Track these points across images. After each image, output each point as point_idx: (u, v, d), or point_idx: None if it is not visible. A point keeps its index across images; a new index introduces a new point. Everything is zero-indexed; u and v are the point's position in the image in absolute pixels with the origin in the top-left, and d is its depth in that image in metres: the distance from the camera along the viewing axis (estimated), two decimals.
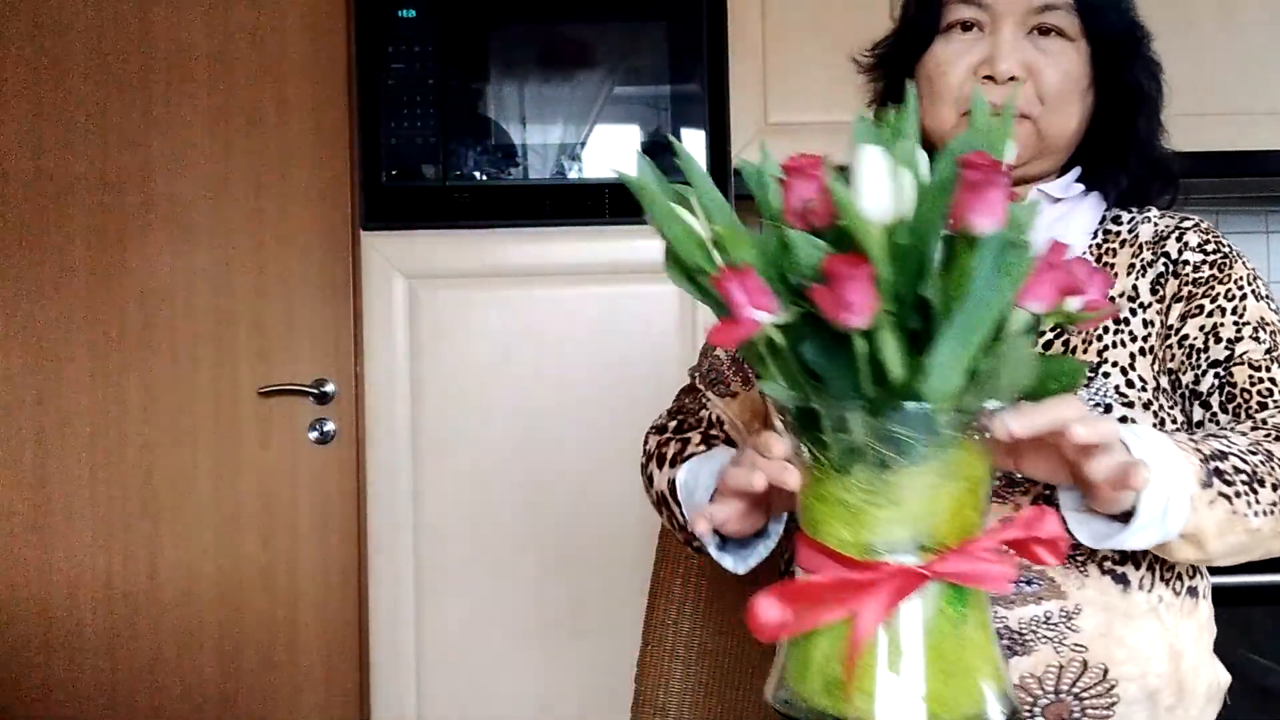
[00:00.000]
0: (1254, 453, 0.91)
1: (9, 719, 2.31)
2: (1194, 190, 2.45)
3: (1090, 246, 1.13)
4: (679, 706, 1.34)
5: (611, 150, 2.12)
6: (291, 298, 2.35)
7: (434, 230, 2.11)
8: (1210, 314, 1.05)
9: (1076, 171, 1.14)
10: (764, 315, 0.70)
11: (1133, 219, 1.15)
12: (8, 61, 2.32)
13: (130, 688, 2.32)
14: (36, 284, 2.33)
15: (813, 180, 0.71)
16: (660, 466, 1.12)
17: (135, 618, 2.32)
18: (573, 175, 2.12)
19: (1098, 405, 1.01)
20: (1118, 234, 1.13)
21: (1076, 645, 0.97)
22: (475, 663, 2.13)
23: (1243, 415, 1.00)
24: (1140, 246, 1.11)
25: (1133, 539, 0.84)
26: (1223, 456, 0.88)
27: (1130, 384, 1.03)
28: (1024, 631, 0.97)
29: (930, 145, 1.00)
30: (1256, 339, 1.03)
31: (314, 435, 2.35)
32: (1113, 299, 1.07)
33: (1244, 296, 1.06)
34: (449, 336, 2.13)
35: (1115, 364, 1.04)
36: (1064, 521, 0.94)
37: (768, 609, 0.73)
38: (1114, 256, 1.11)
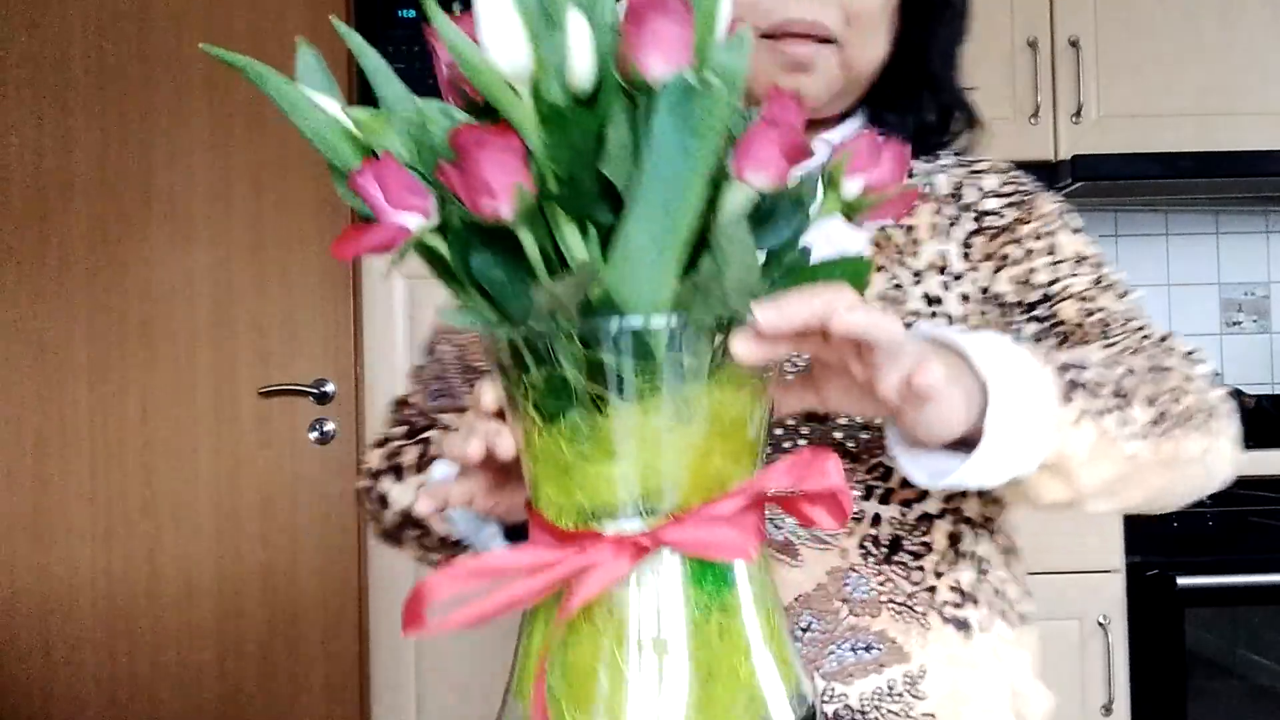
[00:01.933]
0: (1114, 365, 0.75)
1: (9, 719, 2.31)
2: (1194, 190, 2.47)
3: None
4: None
5: None
6: (291, 298, 2.35)
7: None
8: (1019, 260, 0.89)
9: (863, 115, 0.96)
10: (412, 218, 0.54)
11: (929, 169, 0.95)
12: (8, 61, 2.33)
13: (130, 688, 2.32)
14: (37, 284, 2.33)
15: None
16: (399, 478, 0.89)
17: (135, 618, 2.32)
18: None
19: None
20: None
21: (925, 716, 0.83)
22: (475, 663, 2.13)
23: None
24: (938, 201, 0.92)
25: (979, 472, 0.66)
26: (1080, 368, 0.72)
27: None
28: (866, 710, 0.83)
29: None
30: (1076, 274, 0.89)
31: (314, 435, 2.35)
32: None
33: (1052, 233, 0.91)
34: None
35: None
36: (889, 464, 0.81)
37: (438, 588, 0.55)
38: (914, 217, 0.91)
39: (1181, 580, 1.94)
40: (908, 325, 0.84)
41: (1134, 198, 2.53)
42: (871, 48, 0.89)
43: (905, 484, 0.84)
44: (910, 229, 0.91)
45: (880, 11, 0.88)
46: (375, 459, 0.93)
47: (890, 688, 0.83)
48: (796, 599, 0.83)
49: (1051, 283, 0.88)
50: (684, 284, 0.52)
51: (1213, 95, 2.29)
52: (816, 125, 0.93)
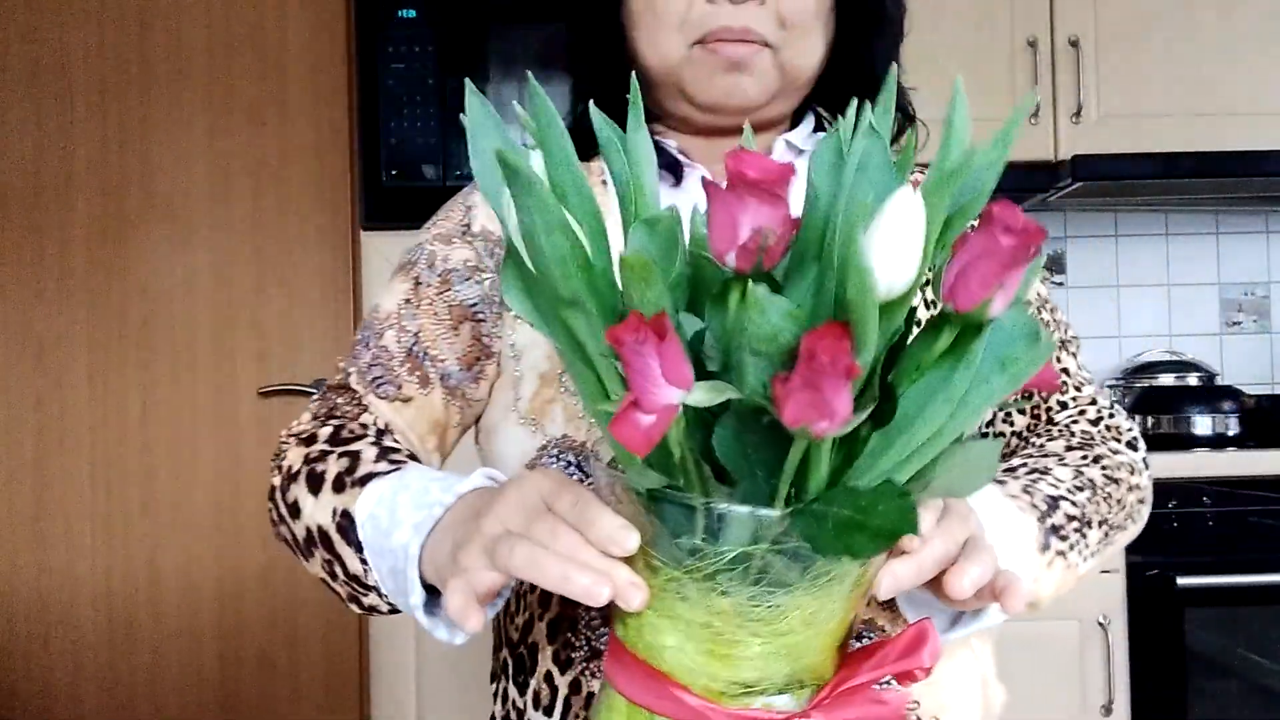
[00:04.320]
0: (1080, 488, 0.82)
1: (9, 719, 2.31)
2: (1194, 190, 2.47)
3: None
4: None
5: None
6: (291, 298, 2.35)
7: None
8: None
9: (813, 116, 0.97)
10: (679, 394, 0.48)
11: None
12: (8, 62, 2.33)
13: (130, 688, 2.32)
14: (36, 284, 2.33)
15: (776, 202, 0.47)
16: (315, 491, 0.79)
17: (135, 618, 2.32)
18: None
19: None
20: None
21: (910, 703, 0.84)
22: (475, 663, 2.13)
23: (1041, 417, 0.92)
24: None
25: (988, 622, 0.73)
26: (1055, 505, 0.79)
27: None
28: None
29: (649, 84, 0.90)
30: (1039, 322, 0.92)
31: None
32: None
33: None
34: None
35: None
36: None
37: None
38: None
39: (1181, 580, 1.94)
40: None
41: (1134, 198, 2.53)
42: (807, 51, 0.90)
43: None
44: None
45: (814, 16, 0.89)
46: (295, 458, 0.84)
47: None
48: None
49: None
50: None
51: (1213, 95, 2.29)
52: (769, 127, 0.94)
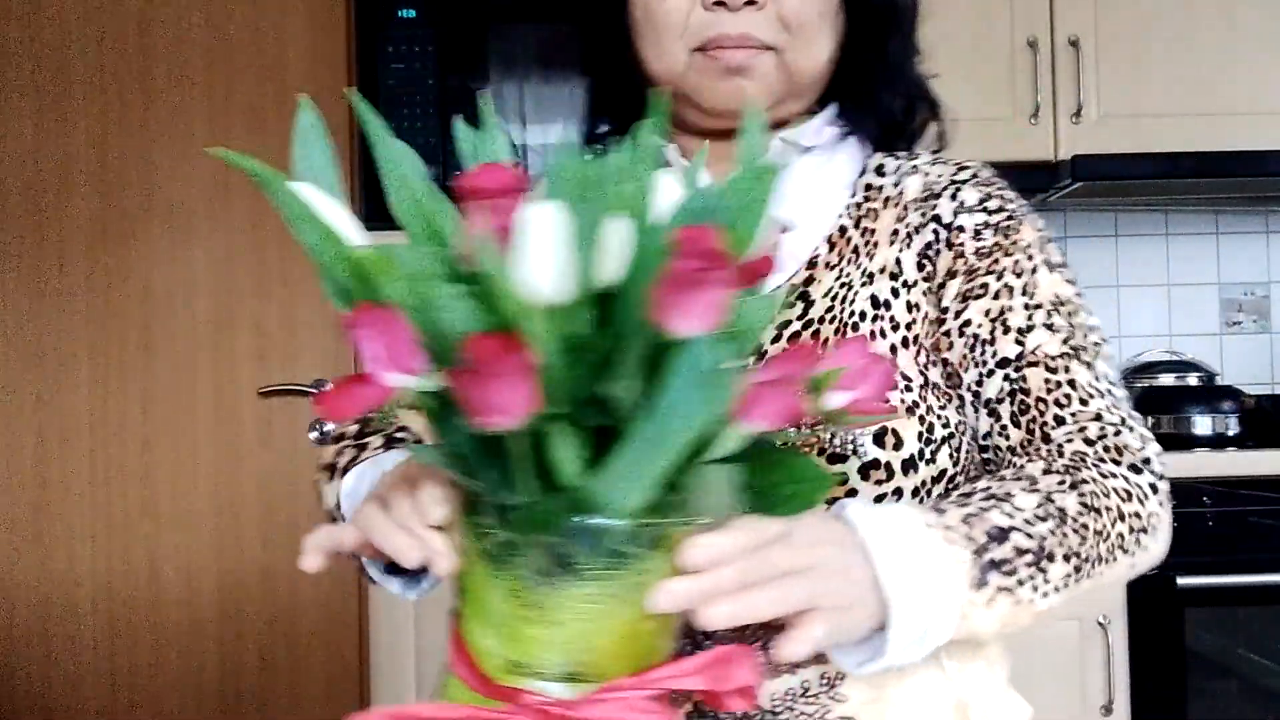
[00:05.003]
0: (1043, 518, 0.74)
1: (9, 719, 2.31)
2: (1194, 190, 2.47)
3: (848, 208, 0.92)
4: None
5: None
6: (291, 298, 2.35)
7: None
8: (997, 295, 0.85)
9: (830, 112, 0.95)
10: (404, 379, 0.53)
11: (899, 168, 0.93)
12: (8, 61, 2.33)
13: (130, 688, 2.32)
14: (37, 284, 2.33)
15: (504, 214, 0.53)
16: (331, 478, 0.91)
17: (135, 618, 2.32)
18: None
19: None
20: (880, 189, 0.92)
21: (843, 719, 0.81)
22: None
23: (1036, 434, 0.83)
24: (905, 207, 0.90)
25: (891, 662, 0.68)
26: (1002, 536, 0.71)
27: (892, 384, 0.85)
28: (778, 710, 0.80)
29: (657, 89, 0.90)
30: (1050, 326, 0.85)
31: (314, 435, 2.34)
32: (836, 295, 0.89)
33: (1035, 270, 0.86)
34: None
35: None
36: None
37: None
38: (875, 220, 0.90)
39: (1181, 580, 1.94)
40: (898, 389, 0.84)
41: (1134, 198, 2.53)
42: (813, 53, 0.89)
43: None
44: (870, 231, 0.90)
45: (819, 17, 0.88)
46: (329, 453, 0.94)
47: (805, 689, 0.81)
48: None
49: (1025, 330, 0.85)
50: (658, 499, 0.56)
51: (1213, 95, 2.29)
52: (784, 126, 0.92)
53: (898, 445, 0.82)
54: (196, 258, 2.34)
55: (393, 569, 0.80)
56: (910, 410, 0.83)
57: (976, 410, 0.86)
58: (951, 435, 0.85)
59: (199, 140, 2.34)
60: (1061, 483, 0.77)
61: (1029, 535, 0.72)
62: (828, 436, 0.82)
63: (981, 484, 0.77)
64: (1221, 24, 2.30)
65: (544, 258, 0.52)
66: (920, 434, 0.83)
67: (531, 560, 0.56)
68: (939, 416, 0.85)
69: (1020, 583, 0.71)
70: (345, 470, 0.88)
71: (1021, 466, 0.80)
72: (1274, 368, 2.66)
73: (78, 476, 2.33)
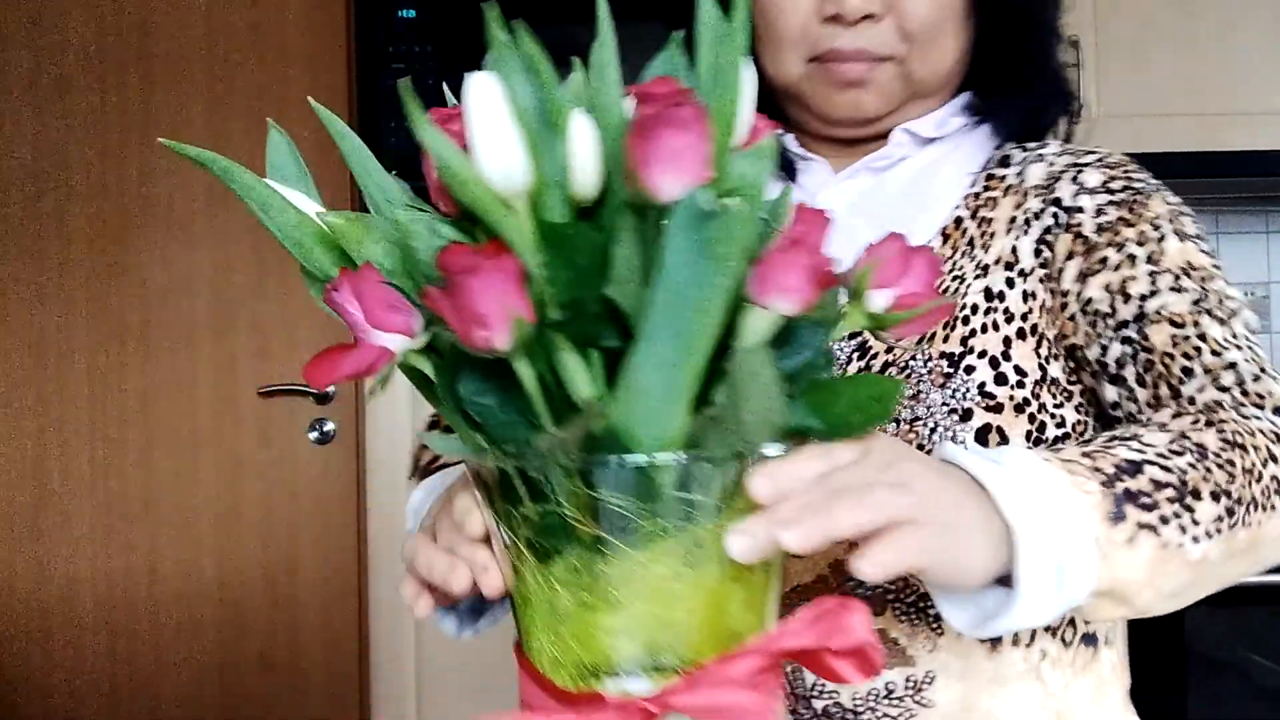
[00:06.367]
0: (1179, 452, 0.64)
1: (9, 718, 2.31)
2: (1194, 190, 2.46)
3: (966, 199, 0.88)
4: None
5: None
6: (291, 298, 2.35)
7: None
8: (1118, 266, 0.79)
9: (958, 103, 0.92)
10: (395, 338, 0.49)
11: (1025, 158, 0.89)
12: (8, 61, 2.33)
13: (130, 688, 2.32)
14: (36, 284, 2.33)
15: (455, 135, 0.49)
16: (412, 475, 0.90)
17: (135, 618, 2.32)
18: None
19: (954, 411, 0.78)
20: (1003, 179, 0.88)
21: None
22: (475, 662, 2.13)
23: (1164, 390, 0.75)
24: (1026, 194, 0.86)
25: (1022, 618, 0.58)
26: (1135, 469, 0.62)
27: (1001, 379, 0.78)
28: (860, 710, 0.77)
29: (775, 103, 0.90)
30: (1178, 289, 0.77)
31: (314, 435, 2.35)
32: (947, 289, 0.83)
33: (1162, 238, 0.80)
34: None
35: (984, 354, 0.80)
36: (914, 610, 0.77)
37: None
38: (993, 209, 0.86)
39: None
40: (949, 374, 0.79)
41: None
42: (936, 60, 0.87)
43: None
44: (988, 221, 0.86)
45: (942, 22, 0.85)
46: (415, 450, 0.95)
47: (889, 690, 0.77)
48: (793, 590, 0.78)
49: (1148, 296, 0.77)
50: (697, 418, 0.48)
51: (1213, 95, 2.29)
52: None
53: (1003, 444, 0.77)
54: (196, 257, 2.34)
55: (453, 604, 0.73)
56: (1019, 409, 0.78)
57: (1102, 383, 0.79)
58: (1067, 435, 0.79)
59: (199, 140, 2.33)
60: (1195, 422, 0.68)
61: (1165, 468, 0.63)
62: (926, 432, 0.77)
63: (1099, 438, 0.67)
64: (1221, 24, 2.30)
65: (497, 133, 0.47)
66: (1029, 433, 0.78)
67: (578, 535, 0.48)
68: (1053, 415, 0.79)
69: (1164, 519, 0.61)
70: (426, 472, 0.86)
71: (1149, 418, 0.73)
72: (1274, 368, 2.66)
73: (78, 476, 2.33)
